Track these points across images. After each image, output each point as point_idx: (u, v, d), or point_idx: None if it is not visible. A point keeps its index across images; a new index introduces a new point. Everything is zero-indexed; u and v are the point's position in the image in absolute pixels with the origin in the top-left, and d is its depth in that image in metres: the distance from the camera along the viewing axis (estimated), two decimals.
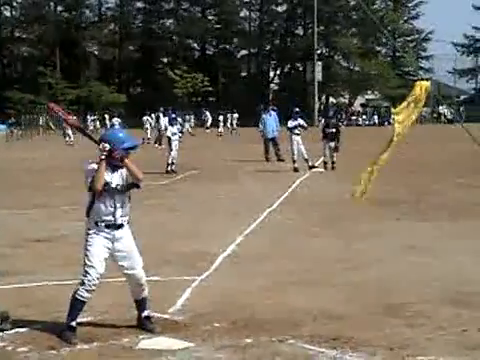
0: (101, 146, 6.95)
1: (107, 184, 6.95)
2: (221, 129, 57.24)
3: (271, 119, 30.58)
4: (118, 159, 6.92)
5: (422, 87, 7.10)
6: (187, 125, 48.99)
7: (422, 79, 7.34)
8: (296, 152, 25.18)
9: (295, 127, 25.78)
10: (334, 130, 25.60)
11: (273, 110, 31.97)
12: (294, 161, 25.10)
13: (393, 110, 7.57)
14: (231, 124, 62.54)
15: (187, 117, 62.05)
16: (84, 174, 7.01)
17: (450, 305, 7.99)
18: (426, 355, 6.40)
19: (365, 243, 11.75)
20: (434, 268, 9.85)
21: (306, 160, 25.13)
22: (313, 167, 24.91)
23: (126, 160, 6.98)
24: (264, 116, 31.13)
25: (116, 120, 51.60)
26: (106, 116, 67.43)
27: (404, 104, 7.13)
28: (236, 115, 63.33)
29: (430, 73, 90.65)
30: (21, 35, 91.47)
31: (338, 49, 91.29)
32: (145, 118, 50.66)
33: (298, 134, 25.58)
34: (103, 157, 6.89)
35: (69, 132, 45.55)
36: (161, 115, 45.14)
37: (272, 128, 30.07)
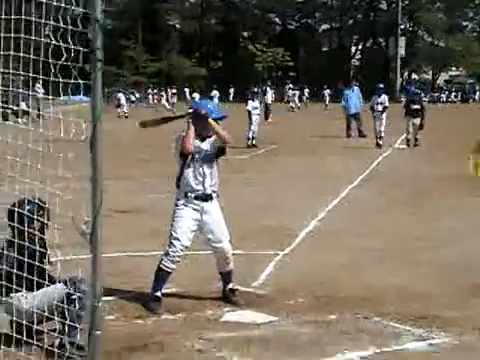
0: (187, 113, 7.06)
1: (196, 153, 7.01)
2: (293, 104, 56.73)
3: (354, 95, 30.25)
4: (203, 116, 6.96)
5: None
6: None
7: None
8: (378, 129, 24.94)
9: (379, 104, 25.49)
10: (419, 106, 25.09)
11: (355, 85, 31.62)
12: (377, 137, 24.85)
13: None
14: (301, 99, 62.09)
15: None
16: (175, 143, 7.10)
17: None
18: None
19: (448, 220, 11.55)
20: None
21: (381, 137, 24.83)
22: (379, 146, 24.54)
23: (211, 120, 7.00)
24: (347, 92, 30.81)
25: (215, 93, 52.02)
26: (186, 90, 67.78)
27: None
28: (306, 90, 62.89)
29: None
30: (105, 7, 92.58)
31: (422, 24, 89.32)
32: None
33: (381, 111, 25.30)
34: (190, 120, 6.97)
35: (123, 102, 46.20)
36: (268, 88, 45.31)
37: (355, 104, 29.75)
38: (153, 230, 10.21)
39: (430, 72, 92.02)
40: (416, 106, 25.05)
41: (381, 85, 26.58)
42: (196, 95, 51.42)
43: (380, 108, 25.37)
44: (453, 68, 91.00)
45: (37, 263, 5.45)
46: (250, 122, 25.33)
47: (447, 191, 14.39)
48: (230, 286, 7.34)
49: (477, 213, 12.14)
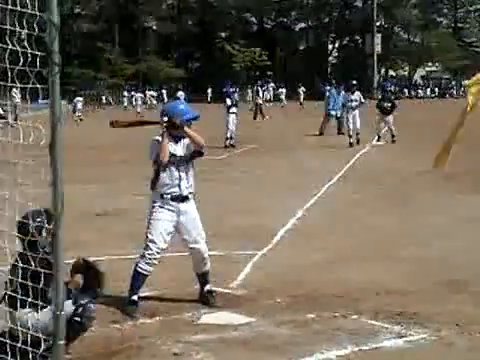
0: (161, 120, 6.99)
1: (171, 155, 6.98)
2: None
3: (339, 97, 29.93)
4: (178, 126, 6.93)
5: None
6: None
7: None
8: (352, 127, 24.81)
9: (351, 100, 25.48)
10: (390, 104, 25.32)
11: (334, 86, 31.41)
12: (350, 136, 24.70)
13: (465, 82, 7.28)
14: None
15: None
16: (149, 149, 7.05)
17: None
18: None
19: (427, 217, 11.56)
20: None
21: (357, 134, 24.75)
22: (351, 145, 24.27)
23: (185, 127, 6.97)
24: (332, 91, 30.65)
25: (181, 94, 51.64)
26: (163, 92, 67.58)
27: (478, 76, 6.81)
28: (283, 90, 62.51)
29: None
30: (80, 11, 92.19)
31: (397, 20, 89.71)
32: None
33: (354, 108, 25.26)
34: (165, 129, 6.93)
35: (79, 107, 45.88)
36: (260, 88, 45.18)
37: (339, 106, 29.53)
38: (130, 233, 10.11)
39: (407, 68, 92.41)
40: (387, 104, 25.30)
41: (354, 82, 26.60)
42: (181, 94, 51.24)
43: (353, 105, 25.30)
44: (429, 64, 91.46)
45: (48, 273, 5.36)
46: (227, 122, 25.22)
47: (425, 188, 14.42)
48: (207, 287, 7.29)
49: (455, 209, 12.16)
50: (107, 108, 64.17)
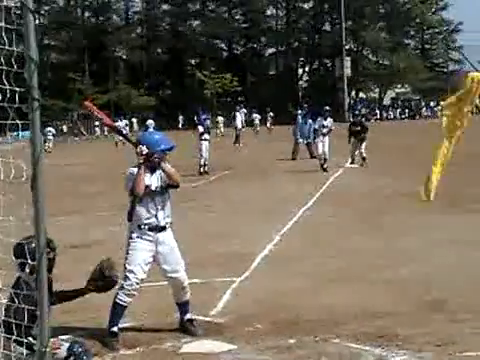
0: (139, 149, 6.96)
1: (147, 187, 6.96)
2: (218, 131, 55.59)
3: (305, 126, 29.97)
4: (156, 163, 6.93)
5: (474, 79, 6.82)
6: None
7: (477, 70, 7.12)
8: (321, 151, 24.71)
9: (324, 126, 25.51)
10: (359, 128, 25.49)
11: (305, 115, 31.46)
12: (321, 160, 24.50)
13: (442, 103, 7.32)
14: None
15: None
16: (125, 180, 7.02)
17: None
18: (473, 351, 6.30)
19: (404, 238, 11.62)
20: (476, 262, 9.70)
21: (325, 159, 24.50)
22: (325, 170, 23.99)
23: (163, 164, 6.98)
24: (299, 119, 30.78)
25: (150, 123, 51.32)
26: (134, 120, 67.54)
27: (453, 98, 6.86)
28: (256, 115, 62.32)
29: (460, 64, 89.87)
30: (50, 42, 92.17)
31: (366, 43, 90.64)
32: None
33: (325, 134, 25.29)
34: (141, 161, 6.91)
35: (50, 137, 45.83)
36: (238, 114, 45.18)
37: (305, 134, 29.60)
38: None
39: (377, 90, 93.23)
40: (357, 128, 25.50)
41: (327, 107, 26.74)
42: (150, 123, 50.99)
43: (325, 131, 25.32)
44: (398, 86, 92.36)
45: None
46: (200, 149, 25.23)
47: (399, 209, 14.50)
48: (188, 316, 7.27)
49: (430, 230, 12.23)
50: (78, 139, 64.02)
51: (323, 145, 24.79)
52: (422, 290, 8.38)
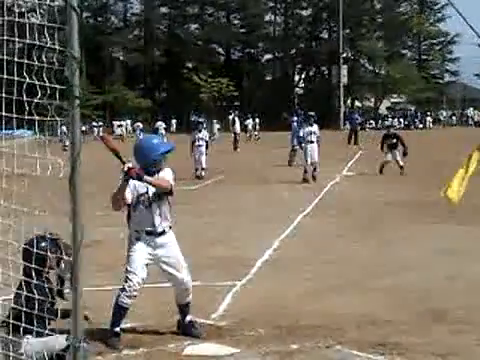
0: (123, 167, 6.76)
1: (141, 195, 6.97)
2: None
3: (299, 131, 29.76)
4: (136, 177, 6.71)
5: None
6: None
7: None
8: (309, 160, 23.27)
9: (311, 133, 23.89)
10: (395, 140, 25.30)
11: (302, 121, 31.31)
12: (305, 171, 23.09)
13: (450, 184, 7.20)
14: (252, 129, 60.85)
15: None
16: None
17: None
18: None
19: (403, 246, 11.66)
20: (475, 272, 9.74)
21: (314, 169, 23.28)
22: (306, 180, 22.66)
23: (146, 177, 6.80)
24: (294, 125, 30.74)
25: (160, 124, 50.95)
26: (128, 122, 67.60)
27: (461, 172, 6.80)
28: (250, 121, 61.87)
29: (456, 76, 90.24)
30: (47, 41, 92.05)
31: (363, 52, 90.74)
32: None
33: (312, 142, 23.69)
34: (121, 179, 6.78)
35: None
36: (236, 118, 45.04)
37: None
38: (107, 264, 10.11)
39: (372, 99, 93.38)
40: (393, 140, 25.35)
41: (312, 113, 25.66)
42: (160, 124, 50.80)
43: (312, 138, 23.71)
44: (394, 95, 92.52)
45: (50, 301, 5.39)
46: (194, 153, 25.22)
47: (398, 217, 14.54)
48: (188, 318, 7.28)
49: (430, 239, 12.28)
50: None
51: (312, 154, 23.32)
52: (424, 299, 8.40)
